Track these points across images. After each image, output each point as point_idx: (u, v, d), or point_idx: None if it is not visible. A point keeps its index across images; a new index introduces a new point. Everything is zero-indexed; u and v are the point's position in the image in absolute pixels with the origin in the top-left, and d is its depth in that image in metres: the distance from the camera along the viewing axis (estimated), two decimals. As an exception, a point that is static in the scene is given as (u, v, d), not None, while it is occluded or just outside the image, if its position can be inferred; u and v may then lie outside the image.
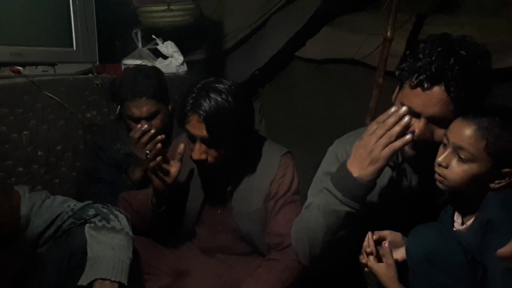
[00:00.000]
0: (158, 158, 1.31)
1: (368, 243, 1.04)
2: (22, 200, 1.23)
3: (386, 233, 1.05)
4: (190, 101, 1.27)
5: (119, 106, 1.77)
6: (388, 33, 1.91)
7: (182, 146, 1.35)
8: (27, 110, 1.66)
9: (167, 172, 1.34)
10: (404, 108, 1.00)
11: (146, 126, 1.59)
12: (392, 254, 1.02)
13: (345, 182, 1.05)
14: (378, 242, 1.05)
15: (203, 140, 1.28)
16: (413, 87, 1.02)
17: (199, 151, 1.29)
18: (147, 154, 1.36)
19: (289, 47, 2.44)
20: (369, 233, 1.05)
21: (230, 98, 1.27)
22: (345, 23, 2.39)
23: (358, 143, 1.05)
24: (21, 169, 1.67)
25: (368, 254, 1.04)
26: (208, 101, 1.25)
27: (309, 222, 1.13)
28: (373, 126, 1.03)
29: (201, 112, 1.24)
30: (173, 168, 1.36)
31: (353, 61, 2.33)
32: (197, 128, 1.27)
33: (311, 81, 2.54)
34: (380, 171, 1.03)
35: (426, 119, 1.02)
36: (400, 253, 1.02)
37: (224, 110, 1.25)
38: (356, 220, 1.07)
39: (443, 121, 1.01)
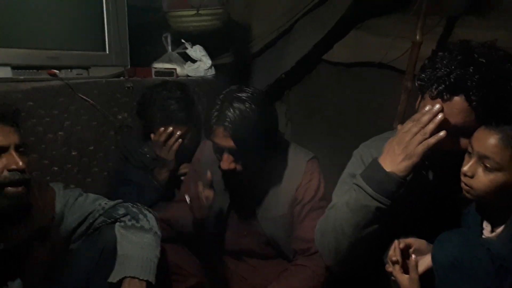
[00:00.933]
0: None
1: (395, 252, 1.03)
2: (56, 197, 1.29)
3: (411, 240, 1.04)
4: (215, 114, 1.29)
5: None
6: (417, 37, 1.90)
7: (209, 174, 1.35)
8: (62, 112, 1.73)
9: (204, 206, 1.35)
10: (437, 106, 1.00)
11: (170, 129, 1.64)
12: (417, 267, 1.00)
13: (377, 177, 1.06)
14: (405, 249, 1.04)
15: (230, 151, 1.30)
16: (434, 98, 1.02)
17: (227, 162, 1.30)
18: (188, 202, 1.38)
19: (316, 50, 2.44)
20: (396, 242, 1.04)
21: (253, 106, 1.28)
22: (373, 27, 2.37)
23: (392, 139, 1.07)
24: (56, 168, 1.74)
25: (394, 263, 1.03)
26: (232, 112, 1.26)
27: (335, 220, 1.14)
28: (408, 124, 1.05)
29: (227, 124, 1.26)
30: (209, 198, 1.35)
31: (381, 64, 2.31)
32: (224, 140, 1.28)
33: (338, 84, 2.53)
34: (413, 168, 1.04)
35: (448, 129, 1.02)
36: (425, 261, 1.01)
37: (249, 119, 1.27)
38: (385, 218, 1.07)
39: (465, 130, 1.00)
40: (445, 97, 0.99)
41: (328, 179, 1.46)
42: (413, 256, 1.02)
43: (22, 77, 1.61)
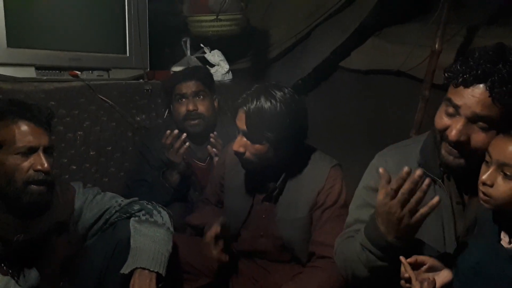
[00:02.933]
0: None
1: (405, 269, 1.01)
2: (76, 194, 1.34)
3: (424, 258, 1.02)
4: (243, 96, 1.37)
5: (167, 110, 1.86)
6: (436, 45, 1.88)
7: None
8: (82, 112, 1.77)
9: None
10: (418, 172, 0.97)
11: (176, 131, 1.68)
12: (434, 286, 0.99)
13: (381, 243, 1.05)
14: (417, 266, 1.03)
15: (244, 133, 1.36)
16: (457, 86, 1.02)
17: (238, 143, 1.37)
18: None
19: (334, 57, 2.45)
20: (402, 259, 1.01)
21: (279, 105, 1.32)
22: (392, 34, 2.36)
23: (383, 209, 1.02)
24: (74, 167, 1.78)
25: (407, 281, 1.01)
26: (255, 101, 1.32)
27: (350, 261, 1.15)
28: (388, 189, 1.00)
29: (245, 108, 1.33)
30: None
31: (399, 72, 2.30)
32: (241, 121, 1.36)
33: (355, 91, 2.52)
34: (416, 232, 1.02)
35: (466, 118, 1.00)
36: (441, 277, 1.00)
37: (267, 113, 1.31)
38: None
39: (483, 123, 0.99)
40: (468, 83, 0.99)
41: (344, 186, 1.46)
42: (430, 275, 1.00)
43: (45, 78, 1.67)
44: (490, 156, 0.96)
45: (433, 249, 1.09)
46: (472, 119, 1.00)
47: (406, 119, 2.04)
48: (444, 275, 0.98)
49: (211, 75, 1.97)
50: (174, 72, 1.97)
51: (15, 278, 1.19)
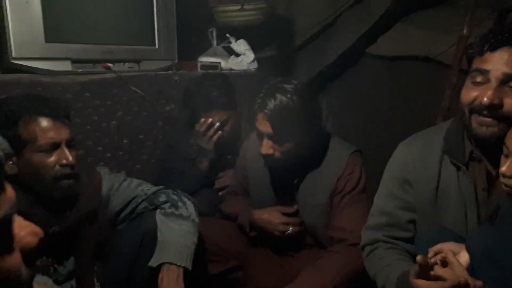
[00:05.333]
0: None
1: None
2: (103, 181, 1.37)
3: (439, 246, 1.03)
4: (258, 101, 1.37)
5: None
6: (465, 31, 1.85)
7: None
8: (115, 102, 1.85)
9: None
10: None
11: (210, 120, 1.71)
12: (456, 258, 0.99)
13: None
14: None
15: (269, 136, 1.37)
16: (483, 53, 1.03)
17: (266, 147, 1.38)
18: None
19: (359, 44, 2.43)
20: (419, 258, 0.96)
21: (295, 98, 1.34)
22: (419, 20, 2.32)
23: None
24: (108, 155, 1.86)
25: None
26: (273, 101, 1.34)
27: (379, 280, 1.17)
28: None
29: (266, 111, 1.34)
30: None
31: (426, 58, 2.27)
32: (263, 125, 1.36)
33: (381, 78, 2.50)
34: None
35: (497, 80, 1.01)
36: (462, 258, 1.02)
37: (288, 109, 1.33)
38: None
39: None
40: (494, 46, 1.00)
41: (368, 173, 1.48)
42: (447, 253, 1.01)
43: (80, 70, 1.74)
44: (507, 148, 0.96)
45: (455, 235, 1.11)
46: (504, 80, 1.01)
47: (433, 106, 2.02)
48: (463, 258, 0.99)
49: (229, 87, 1.84)
50: (195, 90, 1.81)
51: (55, 266, 1.26)
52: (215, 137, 1.75)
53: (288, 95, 1.34)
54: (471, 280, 0.89)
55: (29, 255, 0.57)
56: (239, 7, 2.24)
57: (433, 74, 2.25)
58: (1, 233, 0.53)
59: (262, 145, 1.39)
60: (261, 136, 1.40)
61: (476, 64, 1.05)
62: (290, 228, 1.46)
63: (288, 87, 1.36)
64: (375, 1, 2.31)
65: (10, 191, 0.55)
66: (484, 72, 1.03)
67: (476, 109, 1.05)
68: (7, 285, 0.54)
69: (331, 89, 2.73)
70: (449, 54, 2.03)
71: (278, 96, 1.34)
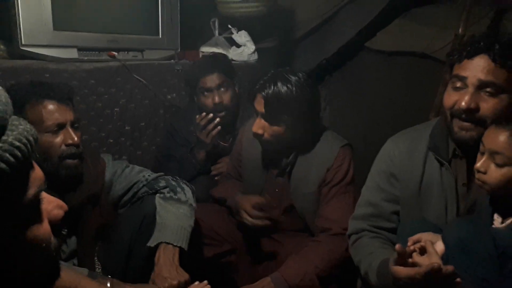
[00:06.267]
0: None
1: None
2: (107, 167, 1.43)
3: (418, 236, 1.10)
4: (260, 82, 1.47)
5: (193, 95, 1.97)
6: (460, 29, 1.88)
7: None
8: (118, 90, 1.91)
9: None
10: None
11: (211, 115, 1.80)
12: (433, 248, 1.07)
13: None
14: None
15: (262, 116, 1.47)
16: (461, 60, 1.10)
17: (258, 125, 1.48)
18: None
19: (359, 38, 2.47)
20: (398, 246, 1.04)
21: (294, 89, 1.43)
22: (418, 16, 2.34)
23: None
24: (111, 140, 1.93)
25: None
26: (272, 86, 1.43)
27: (363, 268, 1.24)
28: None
29: (264, 94, 1.44)
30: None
31: (423, 54, 2.31)
32: (260, 105, 1.47)
33: (379, 72, 2.54)
34: None
35: (473, 86, 1.08)
36: (438, 246, 1.09)
37: (285, 97, 1.42)
38: None
39: (490, 88, 1.06)
40: (472, 55, 1.07)
41: (362, 165, 1.53)
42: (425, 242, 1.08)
43: (86, 58, 1.80)
44: (483, 145, 1.03)
45: (435, 226, 1.18)
46: (479, 86, 1.08)
47: (427, 101, 2.07)
48: (439, 247, 1.07)
49: (230, 62, 2.03)
50: (196, 63, 2.01)
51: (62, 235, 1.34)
52: (214, 132, 1.81)
53: (289, 85, 1.43)
54: (443, 266, 0.97)
55: (56, 226, 0.64)
56: (242, -2, 2.28)
57: (429, 70, 2.28)
58: (34, 207, 0.61)
59: (255, 123, 1.49)
60: (256, 114, 1.50)
61: (455, 71, 1.12)
62: (256, 221, 1.51)
63: (291, 77, 1.44)
64: (374, -3, 2.35)
65: (38, 170, 0.62)
66: (462, 79, 1.10)
67: (455, 113, 1.12)
68: (40, 252, 0.61)
69: (330, 81, 2.78)
70: (445, 51, 2.05)
71: (279, 83, 1.43)
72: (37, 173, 0.61)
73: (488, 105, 1.08)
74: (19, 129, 0.58)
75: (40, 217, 0.62)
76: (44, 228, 0.62)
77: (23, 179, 0.58)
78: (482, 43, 1.06)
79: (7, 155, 0.55)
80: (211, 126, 1.81)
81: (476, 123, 1.09)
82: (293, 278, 1.39)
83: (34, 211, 0.61)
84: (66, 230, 1.29)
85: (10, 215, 0.57)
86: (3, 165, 0.54)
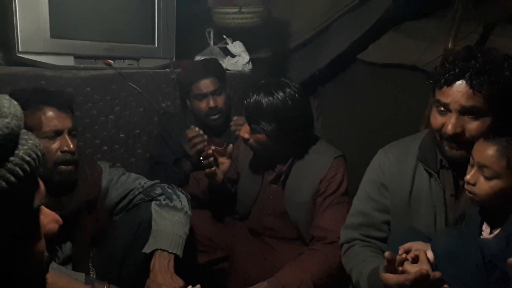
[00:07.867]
0: (211, 159, 1.56)
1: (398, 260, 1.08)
2: (103, 174, 1.45)
3: (409, 245, 1.13)
4: (247, 90, 1.52)
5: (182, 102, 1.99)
6: (449, 44, 1.93)
7: (230, 146, 1.63)
8: (113, 98, 1.93)
9: (215, 174, 1.58)
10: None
11: (197, 129, 1.83)
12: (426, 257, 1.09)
13: None
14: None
15: (248, 122, 1.52)
16: (441, 87, 1.13)
17: (244, 130, 1.54)
18: (201, 159, 1.61)
19: (351, 50, 2.51)
20: (387, 254, 1.07)
21: (275, 102, 1.46)
22: (410, 29, 2.40)
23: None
24: (105, 147, 1.94)
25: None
26: (255, 95, 1.48)
27: (354, 276, 1.26)
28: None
29: (245, 102, 1.50)
30: (224, 165, 1.61)
31: (414, 67, 2.35)
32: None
33: (371, 84, 2.58)
34: None
35: (456, 112, 1.12)
36: (429, 254, 1.12)
37: (265, 108, 1.46)
38: None
39: (473, 113, 1.10)
40: (450, 82, 1.11)
41: (354, 175, 1.56)
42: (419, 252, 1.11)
43: (82, 66, 1.82)
44: (473, 158, 1.07)
45: (424, 236, 1.21)
46: (462, 111, 1.11)
47: (418, 113, 2.11)
48: (428, 256, 1.10)
49: (221, 66, 2.07)
50: (188, 69, 2.03)
51: (54, 249, 1.32)
52: (199, 146, 1.82)
53: (271, 98, 1.46)
54: (431, 272, 0.99)
55: (50, 240, 0.65)
56: (237, 9, 2.32)
57: (420, 82, 2.32)
58: (35, 220, 0.61)
59: (243, 127, 1.54)
60: (245, 120, 1.55)
61: (437, 96, 1.16)
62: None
63: (278, 92, 1.47)
64: (367, 10, 2.40)
65: (41, 185, 0.63)
66: (445, 105, 1.14)
67: (443, 136, 1.16)
68: (33, 268, 0.61)
69: (322, 92, 2.82)
70: (435, 64, 2.09)
71: (262, 94, 1.47)
72: (41, 188, 0.62)
73: (473, 126, 1.12)
74: (29, 143, 0.58)
75: (38, 230, 0.62)
76: (41, 242, 0.62)
77: (30, 192, 0.59)
78: (457, 70, 1.09)
79: (17, 169, 0.55)
80: (197, 139, 1.82)
81: (464, 143, 1.13)
82: (290, 284, 1.40)
83: (34, 224, 0.61)
84: (58, 247, 1.32)
85: (14, 226, 0.57)
86: (12, 179, 0.55)
